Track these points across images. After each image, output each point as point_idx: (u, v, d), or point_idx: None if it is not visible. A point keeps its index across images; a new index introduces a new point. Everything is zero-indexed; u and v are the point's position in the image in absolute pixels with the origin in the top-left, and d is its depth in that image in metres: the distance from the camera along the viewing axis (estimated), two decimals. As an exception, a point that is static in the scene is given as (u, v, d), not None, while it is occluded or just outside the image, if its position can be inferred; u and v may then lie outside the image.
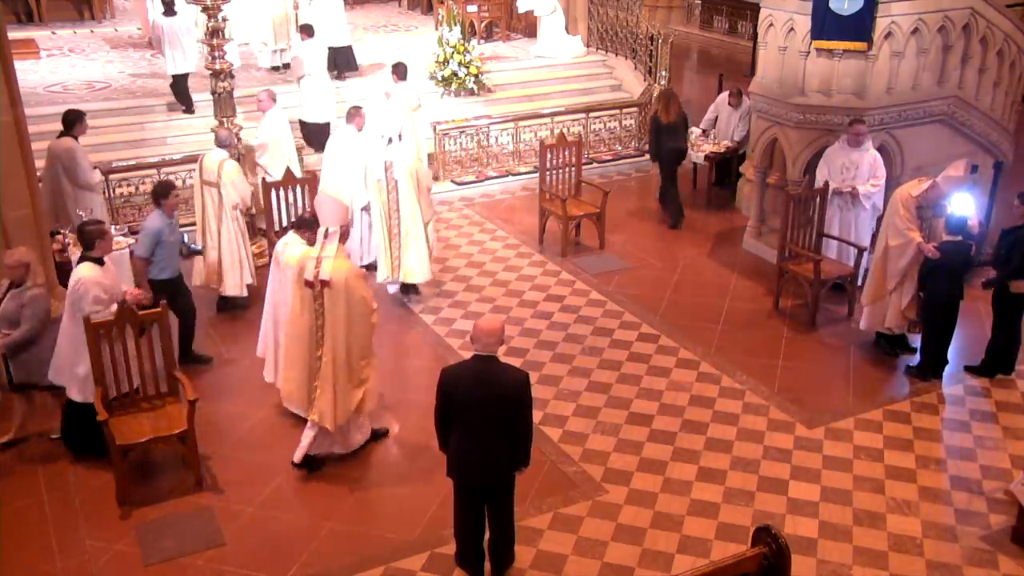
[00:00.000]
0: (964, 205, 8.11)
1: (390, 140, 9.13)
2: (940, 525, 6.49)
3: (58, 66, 14.92)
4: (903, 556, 6.20)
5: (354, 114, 10.03)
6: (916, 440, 7.42)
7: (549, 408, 7.82)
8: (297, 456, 7.03)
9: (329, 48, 13.53)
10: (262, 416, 7.73)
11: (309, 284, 6.77)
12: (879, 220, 9.04)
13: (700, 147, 12.47)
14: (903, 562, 6.15)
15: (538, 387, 8.10)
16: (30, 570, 6.12)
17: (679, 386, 8.14)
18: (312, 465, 7.02)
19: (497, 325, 5.60)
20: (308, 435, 7.00)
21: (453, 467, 5.78)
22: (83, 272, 6.93)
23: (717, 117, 12.76)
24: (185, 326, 8.37)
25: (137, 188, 11.15)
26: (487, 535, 5.95)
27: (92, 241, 7.00)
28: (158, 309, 6.99)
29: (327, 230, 6.88)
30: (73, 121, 9.49)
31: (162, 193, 8.11)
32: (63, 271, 8.80)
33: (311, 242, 7.08)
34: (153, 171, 11.10)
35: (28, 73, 13.67)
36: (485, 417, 5.54)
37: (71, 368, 6.98)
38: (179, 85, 12.81)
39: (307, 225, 7.40)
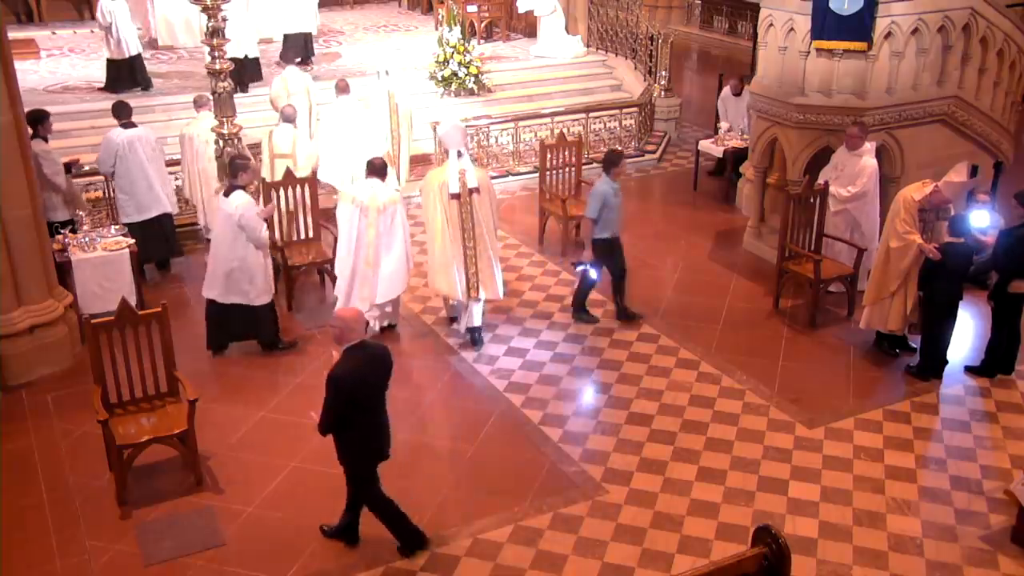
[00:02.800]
0: (981, 219, 8.24)
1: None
2: (940, 525, 6.49)
3: (58, 66, 14.93)
4: (903, 556, 6.20)
5: (343, 87, 11.31)
6: (916, 440, 7.42)
7: (549, 408, 7.82)
8: (476, 321, 8.70)
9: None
10: (262, 416, 7.73)
11: (456, 196, 8.35)
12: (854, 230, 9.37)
13: (725, 140, 12.49)
14: (903, 562, 6.15)
15: (538, 387, 8.11)
16: (30, 570, 6.12)
17: (679, 386, 8.14)
18: (477, 338, 8.71)
19: (355, 312, 6.07)
20: (477, 311, 8.68)
21: (377, 450, 6.00)
22: (240, 200, 8.10)
23: (726, 110, 13.00)
24: (619, 280, 9.23)
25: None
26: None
27: (237, 171, 8.23)
28: (157, 309, 6.99)
29: (458, 152, 8.47)
30: (37, 120, 9.33)
31: (613, 162, 8.98)
32: (63, 270, 8.83)
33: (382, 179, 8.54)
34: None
35: (28, 73, 13.69)
36: (382, 394, 5.96)
37: (247, 282, 8.25)
38: (132, 67, 13.16)
39: (378, 171, 8.57)
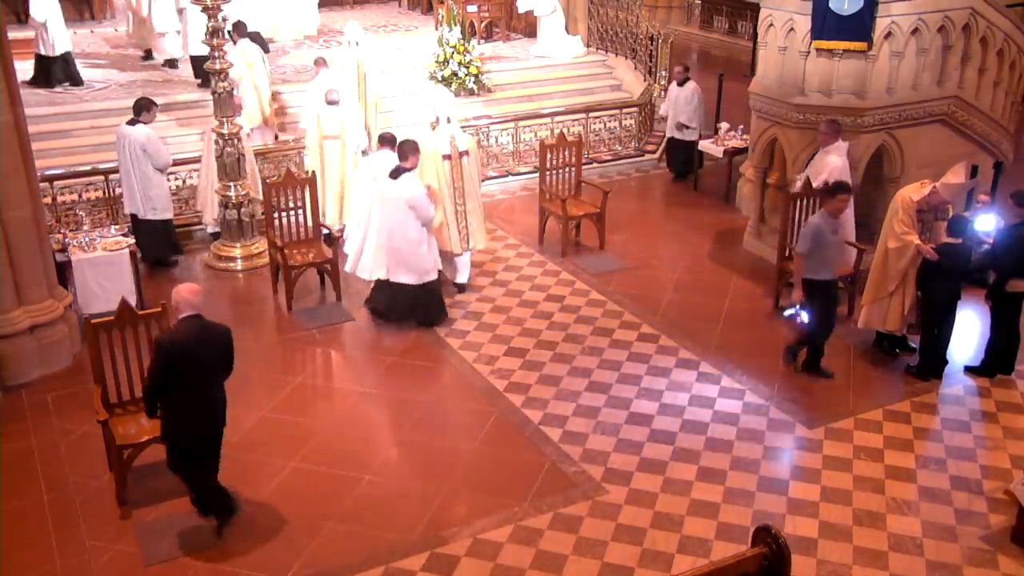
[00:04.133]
0: (987, 223, 8.29)
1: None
2: (940, 525, 6.49)
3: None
4: (903, 556, 6.20)
5: (321, 63, 11.97)
6: (916, 440, 7.42)
7: (549, 408, 7.81)
8: (464, 277, 9.67)
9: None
10: (261, 416, 7.73)
11: (447, 157, 9.21)
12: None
13: (725, 140, 12.48)
14: (903, 562, 6.15)
15: (538, 387, 8.11)
16: (30, 570, 6.12)
17: (679, 386, 8.14)
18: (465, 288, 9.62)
19: (192, 288, 6.02)
20: (466, 262, 9.67)
21: (197, 426, 6.05)
22: (411, 181, 8.68)
23: (670, 101, 13.17)
24: (825, 332, 8.18)
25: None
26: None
27: (407, 154, 8.77)
28: (157, 309, 6.99)
29: (448, 117, 9.39)
30: (143, 108, 9.88)
31: (830, 193, 7.98)
32: (63, 270, 8.83)
33: (394, 150, 9.12)
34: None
35: (28, 73, 13.64)
36: (213, 370, 6.03)
37: (416, 261, 8.86)
38: (64, 63, 13.47)
39: (390, 140, 9.42)
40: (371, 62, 12.63)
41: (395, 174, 8.74)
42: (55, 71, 13.69)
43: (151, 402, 6.06)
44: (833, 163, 9.21)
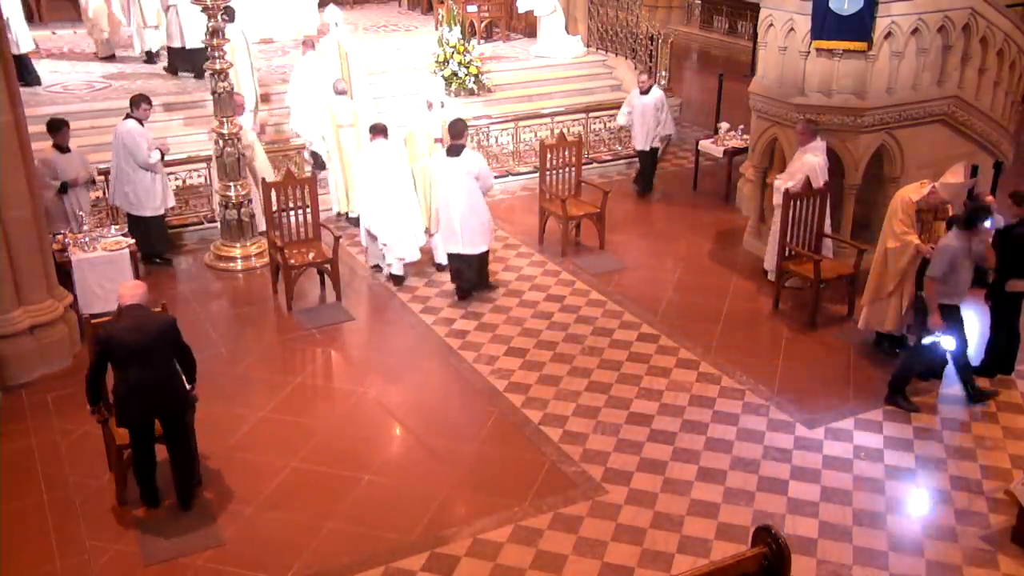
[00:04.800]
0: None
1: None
2: (940, 525, 6.49)
3: (58, 66, 14.91)
4: (903, 556, 6.21)
5: (308, 44, 12.45)
6: (916, 440, 7.42)
7: (549, 408, 7.81)
8: (443, 258, 10.00)
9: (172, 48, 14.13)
10: (261, 416, 7.74)
11: (440, 140, 10.19)
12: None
13: (724, 140, 12.48)
14: (903, 562, 6.15)
15: (538, 387, 8.11)
16: (30, 570, 6.12)
17: (679, 386, 8.14)
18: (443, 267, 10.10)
19: (136, 284, 6.51)
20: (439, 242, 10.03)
21: (131, 411, 6.28)
22: (474, 155, 9.38)
23: (631, 112, 12.41)
24: (958, 359, 7.88)
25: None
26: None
27: (461, 132, 9.41)
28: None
29: (441, 103, 10.68)
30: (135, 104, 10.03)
31: (972, 219, 7.51)
32: (63, 271, 8.84)
33: (386, 138, 9.75)
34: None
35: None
36: (149, 356, 6.20)
37: (480, 232, 9.52)
38: (20, 64, 13.32)
39: (381, 130, 9.74)
40: (350, 42, 12.89)
41: (455, 151, 9.31)
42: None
43: (88, 389, 6.32)
44: (810, 162, 9.28)
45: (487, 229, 9.60)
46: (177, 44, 14.01)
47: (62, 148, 9.61)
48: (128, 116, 10.03)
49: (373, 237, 9.96)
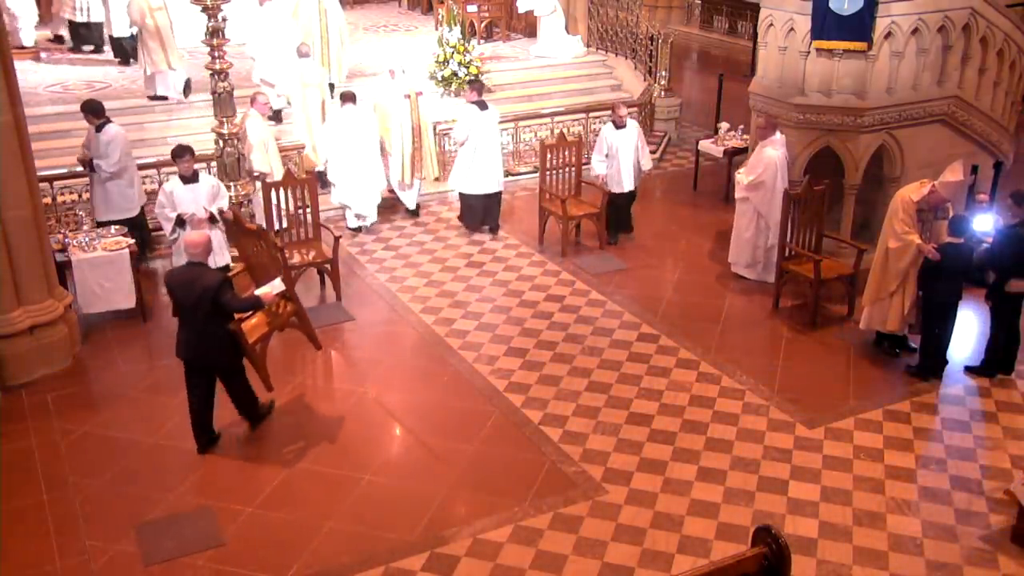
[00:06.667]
0: (985, 223, 8.32)
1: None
2: (940, 525, 6.49)
3: (58, 66, 14.90)
4: (903, 556, 6.20)
5: None
6: (916, 440, 7.42)
7: (549, 408, 7.81)
8: (414, 204, 11.71)
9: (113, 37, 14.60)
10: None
11: (407, 96, 11.37)
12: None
13: (724, 140, 12.47)
14: (903, 562, 6.16)
15: (538, 387, 8.11)
16: (30, 570, 6.12)
17: (679, 386, 8.14)
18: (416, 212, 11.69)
19: (201, 238, 7.09)
20: (415, 191, 11.69)
21: (181, 348, 7.11)
22: (494, 108, 10.94)
23: (609, 148, 10.73)
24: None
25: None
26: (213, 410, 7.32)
27: (481, 88, 11.05)
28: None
29: (403, 69, 11.67)
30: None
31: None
32: (63, 270, 8.83)
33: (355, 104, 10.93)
34: (153, 171, 11.09)
35: (28, 73, 13.64)
36: (192, 311, 6.91)
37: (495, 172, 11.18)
38: None
39: (350, 97, 10.88)
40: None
41: (483, 106, 10.98)
42: None
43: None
44: (769, 156, 9.40)
45: (501, 171, 11.31)
46: (82, 19, 14.72)
47: (185, 178, 9.01)
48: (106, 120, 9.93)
49: (345, 203, 11.21)
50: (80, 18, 14.89)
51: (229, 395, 7.31)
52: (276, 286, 7.20)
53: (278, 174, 10.27)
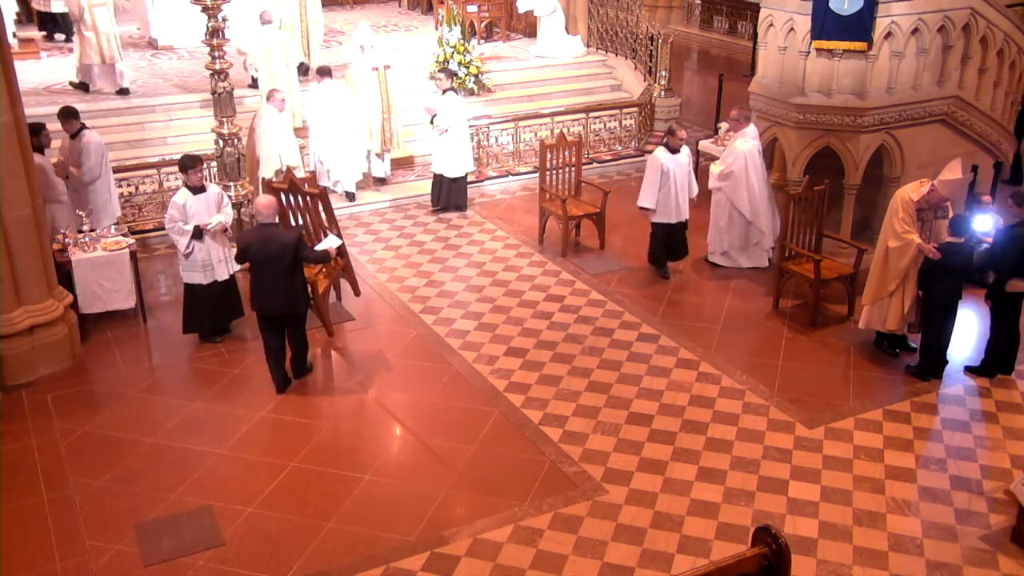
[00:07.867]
0: (985, 224, 8.28)
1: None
2: (940, 525, 6.49)
3: (58, 66, 14.88)
4: (903, 556, 6.20)
5: None
6: (916, 440, 7.42)
7: (549, 408, 7.81)
8: (384, 172, 12.53)
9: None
10: (261, 416, 7.74)
11: (375, 68, 12.10)
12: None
13: (724, 140, 12.46)
14: (903, 562, 6.16)
15: (538, 387, 8.11)
16: (30, 570, 6.12)
17: (679, 386, 8.14)
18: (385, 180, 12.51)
19: (270, 201, 7.86)
20: (387, 161, 12.52)
21: (255, 303, 7.86)
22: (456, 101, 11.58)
23: (663, 176, 9.86)
24: None
25: (137, 188, 11.15)
26: (288, 355, 8.11)
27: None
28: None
29: (372, 44, 12.23)
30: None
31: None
32: (63, 271, 8.83)
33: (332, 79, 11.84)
34: (153, 171, 11.10)
35: (28, 73, 13.66)
36: (272, 266, 7.64)
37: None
38: None
39: (326, 72, 11.75)
40: None
41: (456, 92, 11.85)
42: None
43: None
44: (739, 148, 9.55)
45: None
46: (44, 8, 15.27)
47: (195, 189, 8.59)
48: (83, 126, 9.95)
49: (322, 162, 11.89)
50: (43, 7, 15.46)
51: (290, 342, 8.04)
52: (334, 241, 8.19)
53: (297, 166, 10.72)
